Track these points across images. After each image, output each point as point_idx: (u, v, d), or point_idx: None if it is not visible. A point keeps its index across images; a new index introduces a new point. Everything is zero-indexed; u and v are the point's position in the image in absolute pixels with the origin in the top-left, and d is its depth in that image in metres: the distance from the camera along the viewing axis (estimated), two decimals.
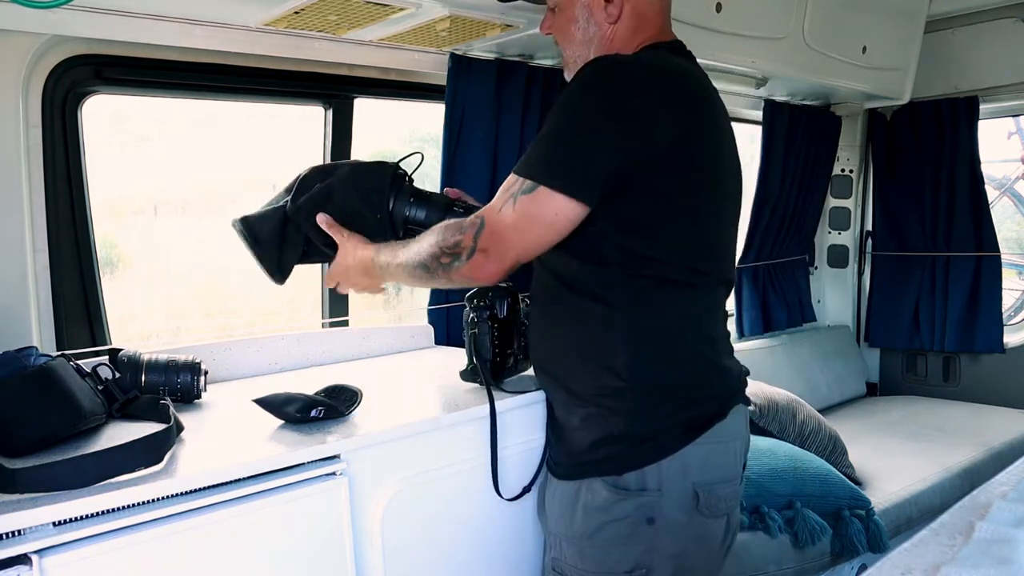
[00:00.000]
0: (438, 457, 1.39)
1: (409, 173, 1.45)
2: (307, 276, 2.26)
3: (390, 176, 1.41)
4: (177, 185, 2.53)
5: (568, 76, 1.44)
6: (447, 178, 2.12)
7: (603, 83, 1.23)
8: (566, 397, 1.38)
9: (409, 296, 2.93)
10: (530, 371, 1.65)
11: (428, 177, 2.94)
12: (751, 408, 1.69)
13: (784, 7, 2.39)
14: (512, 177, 1.25)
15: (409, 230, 1.42)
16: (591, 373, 1.32)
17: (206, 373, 1.47)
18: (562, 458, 1.40)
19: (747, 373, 1.43)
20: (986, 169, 3.35)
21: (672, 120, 1.22)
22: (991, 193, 3.78)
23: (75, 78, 1.66)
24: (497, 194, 1.26)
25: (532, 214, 1.22)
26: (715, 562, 1.38)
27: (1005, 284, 3.40)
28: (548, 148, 1.24)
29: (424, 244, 1.30)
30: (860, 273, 3.67)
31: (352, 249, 1.40)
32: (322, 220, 1.40)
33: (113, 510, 1.03)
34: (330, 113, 2.11)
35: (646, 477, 1.28)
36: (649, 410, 1.29)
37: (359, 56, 1.92)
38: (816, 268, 3.68)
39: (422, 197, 1.43)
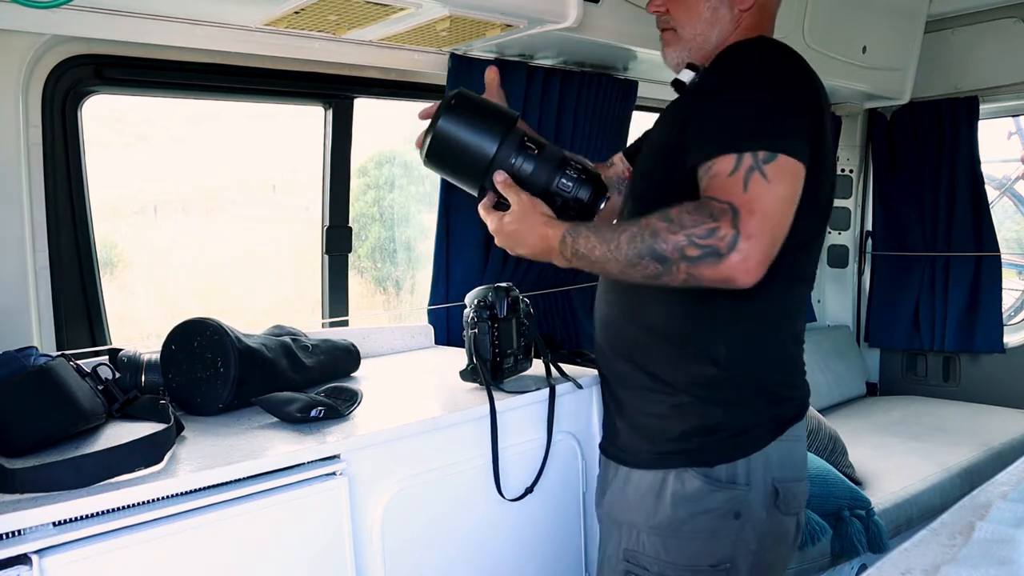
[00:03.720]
0: (438, 457, 1.39)
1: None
2: (307, 275, 2.27)
3: (510, 117, 1.27)
4: (177, 185, 2.54)
5: (678, 55, 1.36)
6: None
7: (786, 60, 1.20)
8: (651, 384, 1.32)
9: (409, 296, 2.94)
10: (530, 371, 1.66)
11: (428, 178, 2.95)
12: None
13: (784, 7, 2.38)
14: (727, 158, 1.10)
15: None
16: (687, 361, 1.28)
17: None
18: (641, 446, 1.34)
19: None
20: (986, 169, 3.35)
21: (825, 103, 1.24)
22: (991, 193, 3.78)
23: (75, 78, 1.66)
24: (711, 181, 1.11)
25: (785, 187, 1.09)
26: (787, 560, 1.38)
27: (1005, 284, 3.40)
28: (766, 113, 1.13)
29: (657, 230, 1.09)
30: (860, 273, 3.67)
31: (535, 222, 1.21)
32: (500, 179, 1.23)
33: (113, 510, 1.03)
34: (330, 113, 2.11)
35: (737, 470, 1.26)
36: (745, 403, 1.28)
37: (359, 56, 1.92)
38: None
39: (532, 147, 1.25)
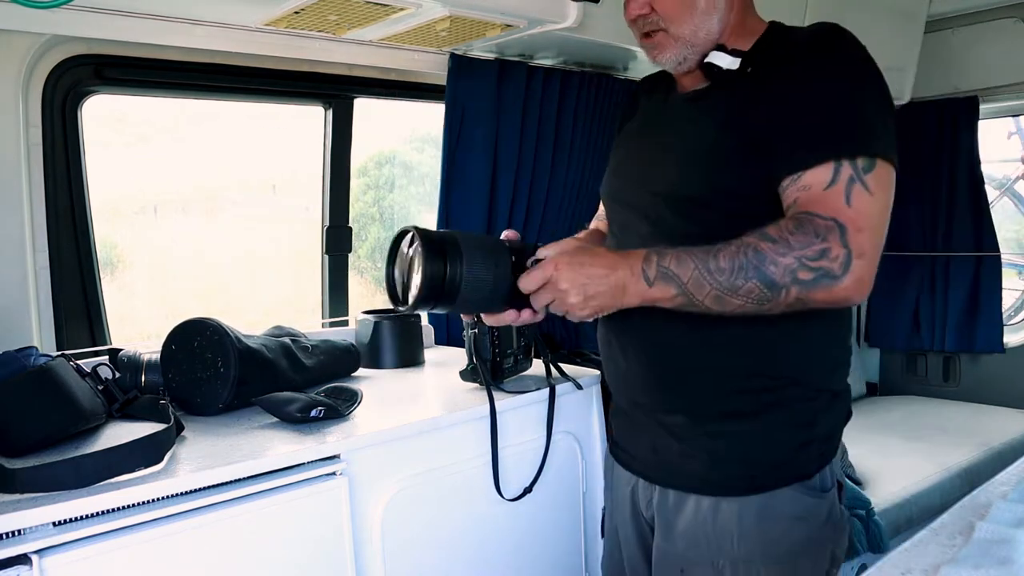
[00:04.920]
0: (438, 457, 1.39)
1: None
2: (307, 275, 2.26)
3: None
4: (177, 185, 2.54)
5: (676, 56, 1.16)
6: (447, 178, 2.12)
7: (863, 48, 1.10)
8: (733, 408, 1.17)
9: None
10: (530, 371, 1.65)
11: (428, 178, 2.95)
12: None
13: (784, 7, 2.38)
14: (823, 168, 1.01)
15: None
16: (820, 372, 1.19)
17: None
18: (730, 471, 1.18)
19: None
20: (986, 169, 3.35)
21: None
22: (991, 193, 3.77)
23: (75, 78, 1.66)
24: (807, 194, 1.02)
25: (885, 196, 1.04)
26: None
27: (1005, 284, 3.39)
28: (864, 115, 1.05)
29: (762, 251, 0.98)
30: None
31: (599, 252, 1.04)
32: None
33: (113, 510, 1.03)
34: (330, 113, 2.11)
35: (825, 475, 1.20)
36: (831, 408, 1.21)
37: (359, 56, 1.92)
38: None
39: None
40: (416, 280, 0.99)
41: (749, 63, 1.14)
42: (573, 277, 1.01)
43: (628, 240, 1.22)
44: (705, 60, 1.16)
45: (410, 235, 1.03)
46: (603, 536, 1.42)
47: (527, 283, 1.02)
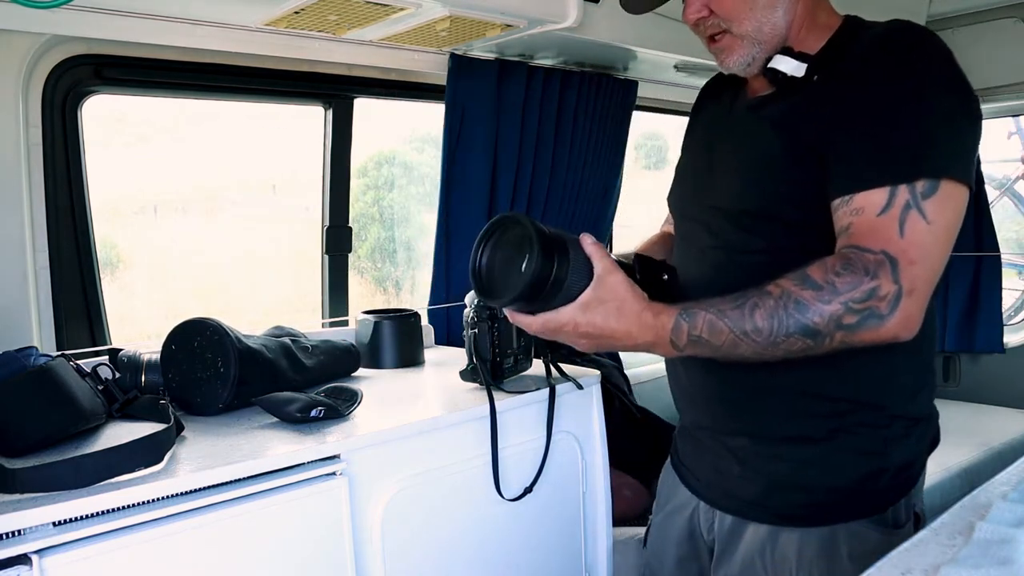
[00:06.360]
0: (438, 457, 1.39)
1: None
2: (307, 275, 2.27)
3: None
4: (177, 185, 2.54)
5: (746, 57, 1.11)
6: (447, 178, 2.12)
7: (947, 52, 1.00)
8: (800, 432, 1.12)
9: (409, 296, 2.94)
10: (530, 371, 1.66)
11: (428, 178, 2.95)
12: None
13: None
14: (879, 192, 0.94)
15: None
16: (896, 396, 1.12)
17: None
18: (802, 497, 1.13)
19: None
20: (986, 169, 3.35)
21: None
22: (991, 193, 3.77)
23: (75, 78, 1.66)
24: (862, 219, 0.95)
25: (948, 220, 0.95)
26: None
27: (1005, 284, 3.39)
28: (930, 129, 0.96)
29: (803, 301, 0.92)
30: None
31: (632, 308, 0.96)
32: (589, 242, 0.97)
33: (113, 510, 1.02)
34: (330, 113, 2.11)
35: (899, 509, 1.12)
36: (910, 435, 1.13)
37: (359, 56, 1.92)
38: None
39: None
40: (523, 275, 0.91)
41: (816, 69, 1.07)
42: (588, 336, 0.96)
43: (691, 252, 1.19)
44: (768, 65, 1.10)
45: (515, 225, 0.95)
46: (644, 546, 1.40)
47: (536, 327, 0.97)
